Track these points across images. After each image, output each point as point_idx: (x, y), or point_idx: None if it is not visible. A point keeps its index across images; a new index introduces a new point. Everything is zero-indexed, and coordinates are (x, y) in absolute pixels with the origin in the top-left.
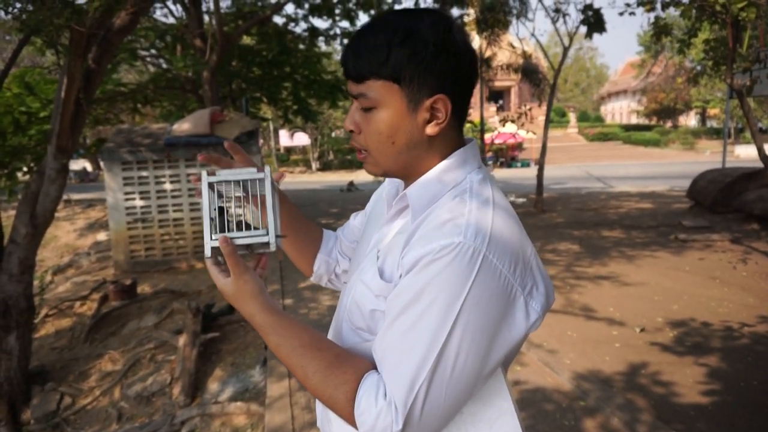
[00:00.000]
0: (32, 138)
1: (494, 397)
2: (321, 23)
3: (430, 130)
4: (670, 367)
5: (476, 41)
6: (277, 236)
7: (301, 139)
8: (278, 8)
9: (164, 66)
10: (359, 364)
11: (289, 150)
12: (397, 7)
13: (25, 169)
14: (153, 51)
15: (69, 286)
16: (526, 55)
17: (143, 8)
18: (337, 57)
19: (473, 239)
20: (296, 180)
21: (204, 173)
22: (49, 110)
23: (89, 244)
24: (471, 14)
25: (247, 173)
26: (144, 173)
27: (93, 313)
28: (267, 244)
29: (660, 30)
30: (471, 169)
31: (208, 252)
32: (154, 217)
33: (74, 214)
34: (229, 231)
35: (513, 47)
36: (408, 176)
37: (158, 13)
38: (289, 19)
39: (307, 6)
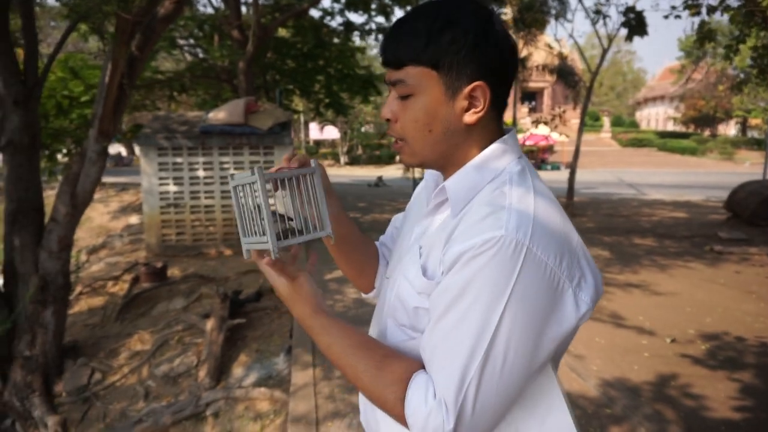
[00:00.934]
0: (73, 121)
1: (545, 392)
2: (357, 18)
3: (469, 118)
4: (701, 381)
5: None
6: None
7: (331, 132)
8: (315, 1)
9: (201, 55)
10: (408, 363)
11: (318, 143)
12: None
13: (64, 150)
14: (191, 40)
15: (102, 266)
16: (562, 57)
17: None
18: (372, 52)
19: (515, 232)
20: None
21: (256, 169)
22: (90, 95)
23: (122, 226)
24: (508, 13)
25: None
26: (178, 159)
27: (125, 293)
28: (321, 232)
29: (704, 35)
30: (510, 159)
31: (245, 254)
32: (186, 203)
33: (108, 197)
34: (251, 235)
35: (550, 48)
36: (446, 166)
37: (198, 5)
38: (326, 12)
39: (343, 0)
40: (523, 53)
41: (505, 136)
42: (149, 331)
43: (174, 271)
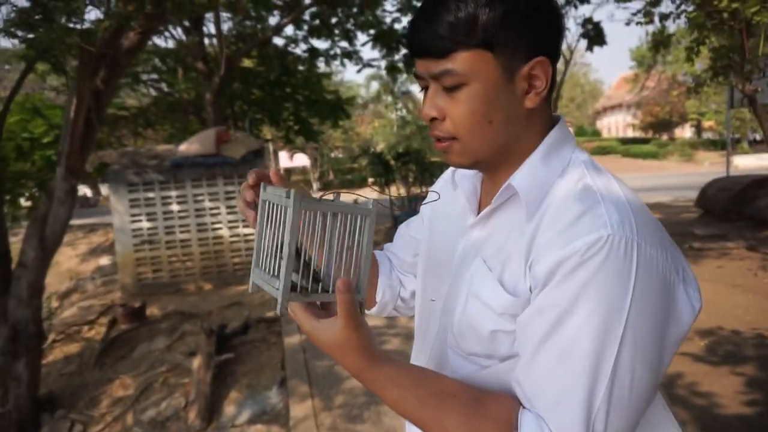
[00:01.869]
0: (35, 163)
1: (654, 405)
2: (320, 44)
3: (530, 102)
4: (705, 378)
5: None
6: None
7: (301, 160)
8: (278, 30)
9: (165, 89)
10: (503, 403)
11: (289, 171)
12: (396, 26)
13: (27, 194)
14: (154, 75)
15: (75, 311)
16: None
17: (152, 28)
18: (337, 78)
19: (621, 228)
20: None
21: (293, 192)
22: (52, 135)
23: (92, 268)
24: None
25: (347, 207)
26: (150, 194)
27: (102, 337)
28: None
29: (659, 42)
30: (571, 146)
31: (250, 287)
32: (161, 239)
33: (75, 239)
34: (263, 268)
35: None
36: (501, 162)
37: (158, 39)
38: (289, 40)
39: (306, 28)
40: None
41: (560, 122)
42: (131, 375)
43: (153, 310)
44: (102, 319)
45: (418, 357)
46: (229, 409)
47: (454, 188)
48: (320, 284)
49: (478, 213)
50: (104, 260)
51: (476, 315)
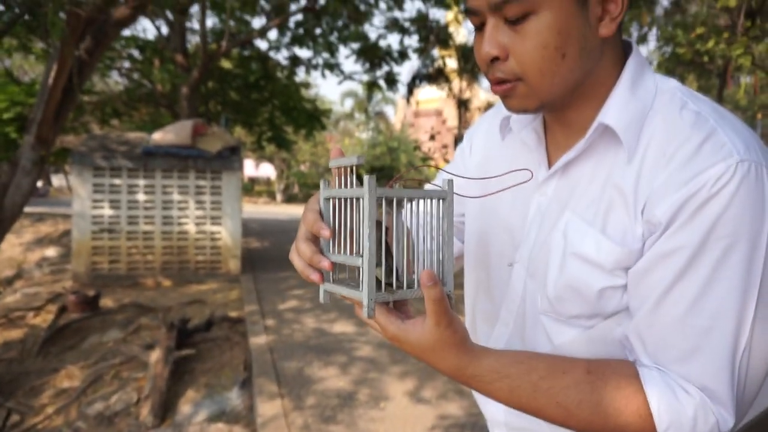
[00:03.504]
0: None
1: None
2: (303, 53)
3: (605, 29)
4: None
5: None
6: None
7: (266, 170)
8: (263, 33)
9: (139, 80)
10: (618, 367)
11: (254, 180)
12: (382, 43)
13: None
14: (127, 64)
15: (19, 297)
16: None
17: (144, 4)
18: (312, 91)
19: (747, 152)
20: (261, 210)
21: (368, 179)
22: (13, 112)
23: (37, 259)
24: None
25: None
26: (117, 181)
27: (49, 324)
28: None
29: None
30: (652, 75)
31: (321, 297)
32: (123, 229)
33: (21, 227)
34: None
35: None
36: (571, 103)
37: (137, 28)
38: (272, 45)
39: (289, 35)
40: (467, 95)
41: (633, 47)
42: (79, 366)
43: (107, 302)
44: (50, 306)
45: (495, 330)
46: (185, 408)
47: (502, 137)
48: (404, 280)
49: (549, 162)
50: (51, 251)
51: (580, 275)
